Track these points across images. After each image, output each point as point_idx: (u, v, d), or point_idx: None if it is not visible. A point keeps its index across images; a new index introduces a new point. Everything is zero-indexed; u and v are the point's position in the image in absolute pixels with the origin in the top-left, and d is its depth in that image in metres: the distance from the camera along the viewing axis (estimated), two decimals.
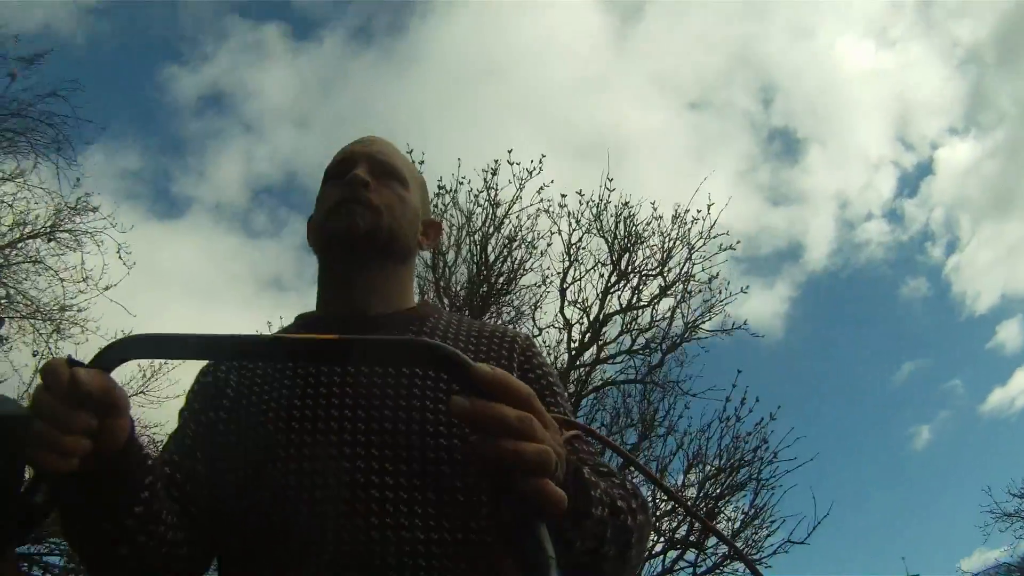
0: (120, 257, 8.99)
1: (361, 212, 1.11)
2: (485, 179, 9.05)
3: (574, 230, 9.03)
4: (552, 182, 9.12)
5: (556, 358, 8.99)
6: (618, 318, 8.98)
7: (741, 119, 17.23)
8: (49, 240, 8.97)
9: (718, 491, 8.61)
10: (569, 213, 9.01)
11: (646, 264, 8.93)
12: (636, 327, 8.95)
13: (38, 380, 0.76)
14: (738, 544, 8.59)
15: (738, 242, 8.84)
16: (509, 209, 9.11)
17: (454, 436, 0.99)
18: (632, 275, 8.94)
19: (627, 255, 8.96)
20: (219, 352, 0.90)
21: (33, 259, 8.95)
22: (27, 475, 0.76)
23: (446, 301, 8.92)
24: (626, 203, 8.93)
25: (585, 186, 9.16)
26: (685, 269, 8.77)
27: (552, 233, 9.07)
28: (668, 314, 8.84)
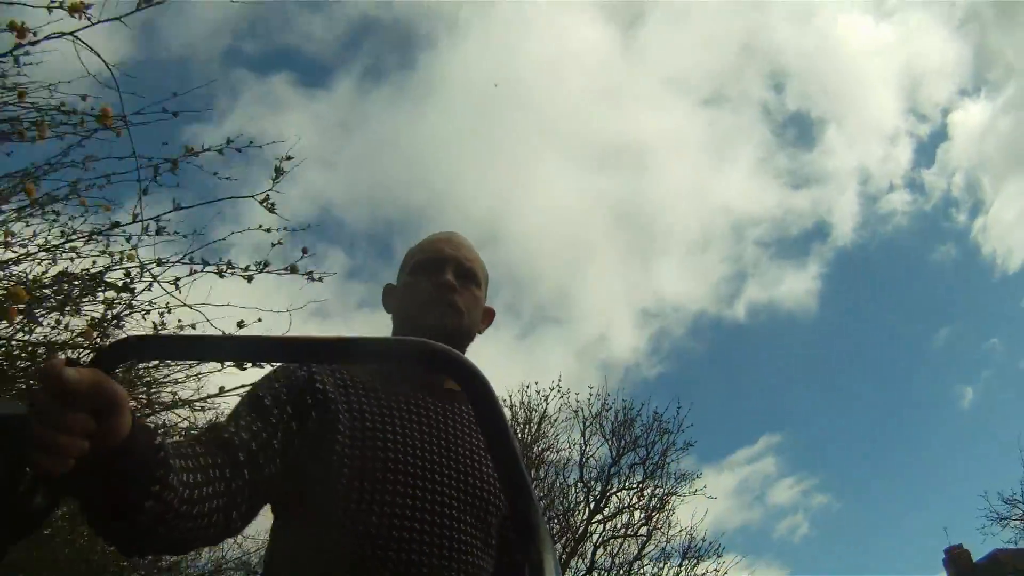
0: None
1: (450, 314, 1.39)
2: (520, 394, 13.60)
3: (586, 420, 13.55)
4: (568, 390, 13.77)
5: (578, 518, 13.46)
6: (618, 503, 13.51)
7: (755, 109, 17.87)
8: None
9: None
10: (579, 411, 13.55)
11: (635, 445, 13.44)
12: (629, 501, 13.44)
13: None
14: None
15: (696, 441, 13.34)
16: (542, 416, 13.67)
17: (489, 475, 1.30)
18: (627, 453, 13.46)
19: (621, 440, 13.51)
20: (220, 353, 0.96)
21: None
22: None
23: None
24: (623, 405, 13.49)
25: (608, 193, 12.64)
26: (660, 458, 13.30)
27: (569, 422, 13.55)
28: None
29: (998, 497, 16.43)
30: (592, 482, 13.54)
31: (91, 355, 0.75)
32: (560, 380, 14.01)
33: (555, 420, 13.74)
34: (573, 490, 13.60)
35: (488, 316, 1.54)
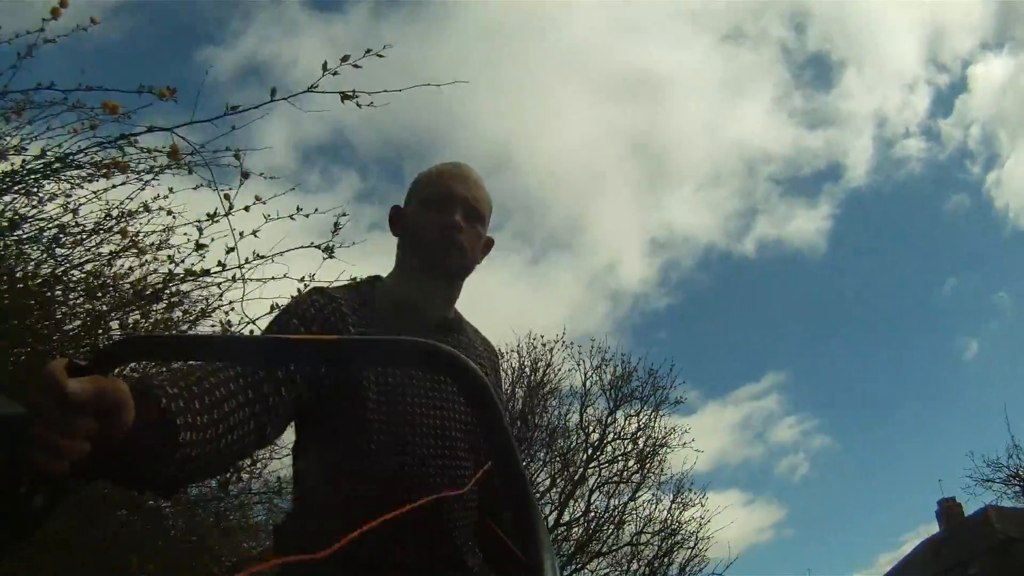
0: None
1: (456, 254, 1.49)
2: (524, 347, 14.35)
3: (587, 370, 14.34)
4: (572, 343, 14.55)
5: (579, 461, 14.39)
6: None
7: (775, 48, 17.89)
8: None
9: None
10: (580, 362, 14.33)
11: (632, 396, 14.25)
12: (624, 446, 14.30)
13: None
14: None
15: (685, 398, 14.06)
16: (547, 366, 14.43)
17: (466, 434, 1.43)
18: (623, 403, 14.28)
19: (618, 393, 14.33)
20: (220, 352, 0.92)
21: None
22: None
23: None
24: (623, 356, 14.24)
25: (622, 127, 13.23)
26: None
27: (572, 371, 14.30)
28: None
29: (982, 460, 17.29)
30: (590, 428, 14.44)
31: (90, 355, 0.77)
32: (565, 333, 14.66)
33: (559, 370, 14.56)
34: (574, 435, 14.50)
35: (487, 246, 1.61)
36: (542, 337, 14.38)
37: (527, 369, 14.50)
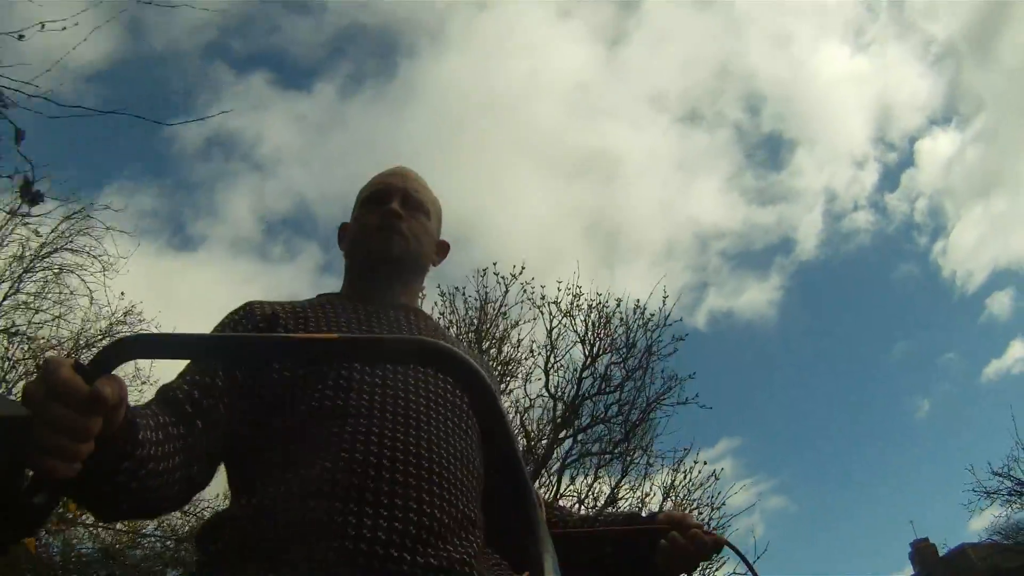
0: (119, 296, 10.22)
1: (396, 239, 1.38)
2: (476, 280, 10.93)
3: (554, 316, 10.91)
4: (532, 279, 11.00)
5: (541, 431, 10.74)
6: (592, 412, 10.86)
7: (730, 130, 18.07)
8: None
9: None
10: (547, 303, 10.90)
11: (612, 345, 10.86)
12: (605, 406, 10.81)
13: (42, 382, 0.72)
14: None
15: (687, 335, 10.83)
16: (498, 309, 10.97)
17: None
18: (602, 355, 10.85)
19: (597, 342, 10.89)
20: (220, 351, 0.92)
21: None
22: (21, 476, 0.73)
23: None
24: (591, 305, 10.90)
25: (580, 211, 10.84)
26: (644, 356, 10.71)
27: (534, 320, 10.92)
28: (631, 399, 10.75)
29: (988, 469, 15.33)
30: (560, 391, 10.90)
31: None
32: (524, 267, 11.23)
33: (517, 321, 11.10)
34: (539, 404, 10.94)
35: (443, 249, 1.56)
36: (495, 264, 10.97)
37: (474, 315, 11.01)
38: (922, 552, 25.99)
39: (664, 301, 10.81)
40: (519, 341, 10.97)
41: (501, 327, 11.01)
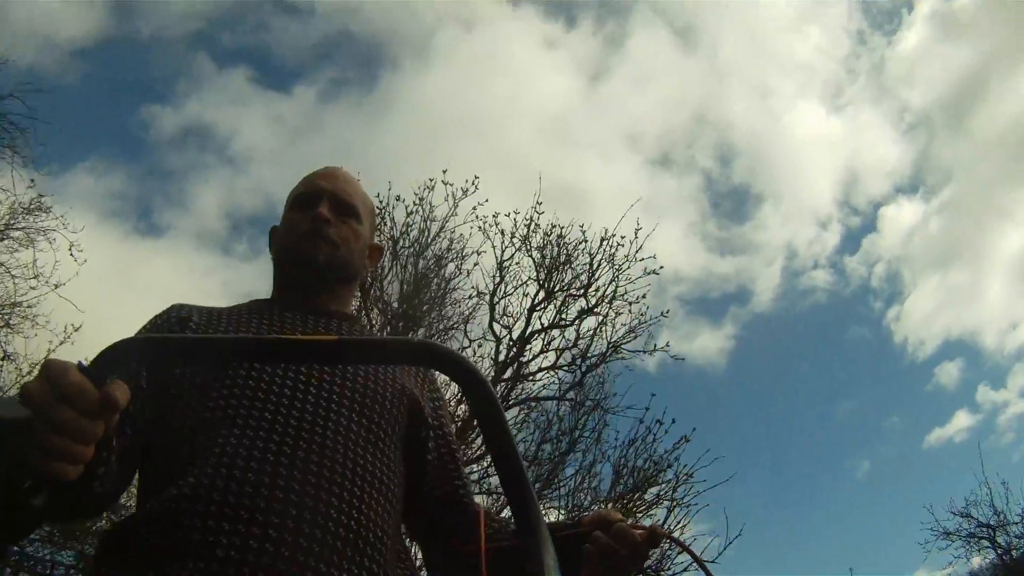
0: (72, 255, 9.57)
1: (322, 246, 1.34)
2: (420, 196, 9.42)
3: (506, 247, 9.45)
4: (487, 201, 9.55)
5: (486, 372, 9.22)
6: (542, 337, 9.34)
7: (699, 177, 18.03)
8: (1, 239, 9.54)
9: (632, 509, 8.88)
10: (502, 232, 9.44)
11: (572, 284, 9.42)
12: (561, 345, 9.33)
13: (44, 385, 0.72)
14: (649, 561, 8.85)
15: (661, 267, 9.46)
16: (443, 226, 9.48)
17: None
18: (558, 294, 9.39)
19: (554, 274, 9.44)
20: (220, 353, 0.89)
21: None
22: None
23: (375, 313, 9.05)
24: (554, 225, 9.47)
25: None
26: (610, 290, 9.30)
27: (482, 252, 9.45)
28: (590, 333, 9.28)
29: (946, 509, 14.45)
30: (507, 326, 9.41)
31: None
32: (477, 181, 9.73)
33: (463, 246, 9.61)
34: (483, 339, 9.45)
35: (375, 253, 1.52)
36: (445, 174, 9.47)
37: (414, 229, 9.51)
38: None
39: (636, 234, 9.45)
40: (461, 261, 9.47)
41: (444, 245, 9.50)
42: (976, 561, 14.48)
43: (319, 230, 1.34)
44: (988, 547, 14.48)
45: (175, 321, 1.27)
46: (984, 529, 14.28)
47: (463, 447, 8.59)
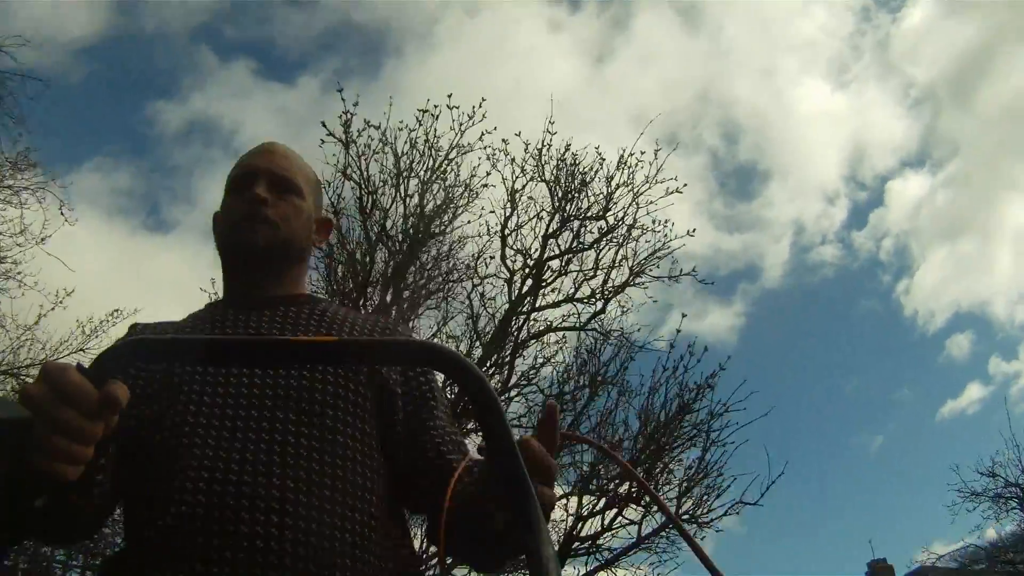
0: (62, 213, 9.25)
1: (261, 229, 1.26)
2: (422, 122, 8.77)
3: (517, 176, 8.83)
4: (495, 128, 8.93)
5: (496, 311, 8.53)
6: (560, 262, 8.68)
7: (706, 156, 18.00)
8: None
9: (665, 445, 8.16)
10: (512, 161, 8.83)
11: (589, 210, 8.80)
12: (579, 272, 8.68)
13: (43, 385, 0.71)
14: (686, 504, 8.13)
15: (685, 184, 8.88)
16: (448, 154, 8.84)
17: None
18: (574, 220, 8.76)
19: (570, 201, 8.82)
20: (221, 354, 0.89)
21: None
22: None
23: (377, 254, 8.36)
24: (568, 146, 8.88)
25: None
26: (629, 213, 8.69)
27: (489, 186, 8.82)
28: (612, 260, 8.65)
29: (973, 470, 14.19)
30: (521, 255, 8.73)
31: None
32: (485, 108, 9.11)
33: (471, 178, 8.95)
34: (495, 276, 8.77)
35: (324, 227, 1.43)
36: (451, 98, 8.85)
37: (412, 156, 8.86)
38: (877, 573, 24.96)
39: (656, 155, 8.89)
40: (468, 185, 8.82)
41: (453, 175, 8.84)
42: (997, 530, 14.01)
43: (256, 212, 1.27)
44: (1016, 507, 14.17)
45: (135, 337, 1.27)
46: (1012, 489, 13.92)
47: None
